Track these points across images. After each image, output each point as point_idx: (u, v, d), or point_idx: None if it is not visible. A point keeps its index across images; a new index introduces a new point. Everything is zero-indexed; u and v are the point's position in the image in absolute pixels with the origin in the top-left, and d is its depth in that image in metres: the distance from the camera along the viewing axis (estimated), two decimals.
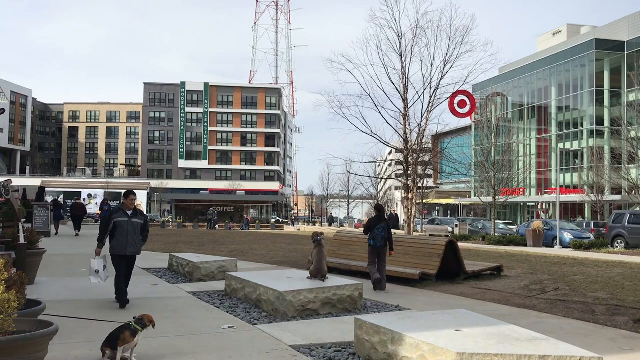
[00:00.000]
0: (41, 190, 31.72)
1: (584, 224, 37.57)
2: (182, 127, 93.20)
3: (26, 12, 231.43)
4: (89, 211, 73.42)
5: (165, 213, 78.40)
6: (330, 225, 68.75)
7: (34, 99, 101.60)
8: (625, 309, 9.13)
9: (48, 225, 24.25)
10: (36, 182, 70.01)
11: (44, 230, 21.98)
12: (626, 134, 29.33)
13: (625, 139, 29.30)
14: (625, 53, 52.80)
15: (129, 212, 8.45)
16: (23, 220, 11.46)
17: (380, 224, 11.22)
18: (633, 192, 27.07)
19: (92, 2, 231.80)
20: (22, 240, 9.62)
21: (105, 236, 8.39)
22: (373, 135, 25.21)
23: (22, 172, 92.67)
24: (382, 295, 10.29)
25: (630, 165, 30.91)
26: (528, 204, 63.69)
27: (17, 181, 70.51)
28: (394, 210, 78.02)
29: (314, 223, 73.71)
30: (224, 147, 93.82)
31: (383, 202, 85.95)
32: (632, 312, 8.85)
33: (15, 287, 4.64)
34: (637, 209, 28.46)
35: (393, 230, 13.66)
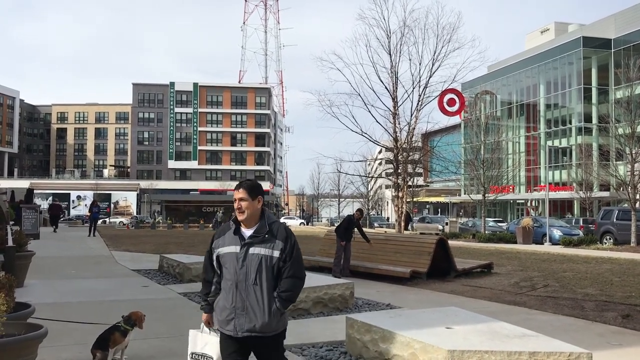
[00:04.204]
0: (29, 192, 31.47)
1: (573, 220, 37.85)
2: (172, 128, 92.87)
3: (12, 12, 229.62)
4: (78, 213, 73.41)
5: (156, 214, 78.07)
6: (307, 224, 68.79)
7: (21, 100, 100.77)
8: (614, 304, 9.21)
9: (37, 228, 24.11)
10: (24, 184, 69.44)
11: (32, 232, 21.81)
12: (614, 131, 29.51)
13: (613, 136, 29.49)
14: (612, 50, 53.22)
15: (246, 231, 3.67)
16: (11, 222, 11.37)
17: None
18: (621, 189, 27.25)
19: (79, 2, 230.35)
20: (10, 243, 9.54)
21: (208, 282, 3.86)
22: (363, 134, 25.20)
23: (10, 174, 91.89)
24: (373, 293, 10.32)
25: (618, 162, 31.12)
26: (518, 201, 64.06)
27: (5, 183, 69.92)
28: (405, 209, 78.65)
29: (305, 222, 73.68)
30: (214, 147, 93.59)
31: (374, 201, 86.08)
32: (621, 307, 8.92)
33: (4, 290, 4.61)
34: (625, 205, 28.67)
35: (388, 230, 14.50)
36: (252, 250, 3.56)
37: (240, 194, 3.63)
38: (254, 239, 3.58)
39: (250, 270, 3.53)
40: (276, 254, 3.56)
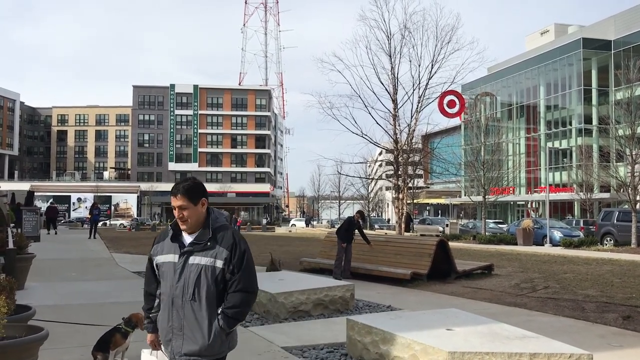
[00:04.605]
0: (30, 194, 31.55)
1: (574, 222, 37.85)
2: (172, 130, 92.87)
3: (11, 14, 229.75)
4: (78, 215, 73.39)
5: (156, 216, 78.07)
6: (307, 225, 68.67)
7: (21, 103, 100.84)
8: (615, 305, 9.21)
9: (37, 230, 24.14)
10: (25, 186, 69.38)
11: (33, 234, 21.83)
12: (614, 132, 29.52)
13: (613, 137, 29.50)
14: (612, 52, 53.24)
15: (187, 238, 3.14)
16: (12, 225, 11.38)
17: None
18: (621, 190, 27.25)
19: (79, 3, 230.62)
20: (11, 245, 9.55)
21: (151, 295, 3.38)
22: (363, 135, 25.24)
23: (11, 177, 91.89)
24: (373, 295, 10.32)
25: (618, 163, 31.11)
26: (518, 202, 64.04)
27: (6, 186, 69.88)
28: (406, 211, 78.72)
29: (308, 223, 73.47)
30: (214, 149, 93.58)
31: (374, 203, 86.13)
32: (622, 309, 8.92)
33: (5, 292, 4.61)
34: (626, 206, 28.66)
35: (388, 232, 14.50)
36: (191, 260, 3.04)
37: (179, 200, 3.04)
38: (195, 247, 3.05)
39: (188, 284, 3.02)
40: (219, 264, 3.02)
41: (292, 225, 69.17)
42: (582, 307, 9.13)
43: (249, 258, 3.10)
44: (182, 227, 3.09)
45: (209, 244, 3.04)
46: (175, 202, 3.05)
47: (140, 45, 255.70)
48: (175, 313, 3.06)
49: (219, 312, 3.04)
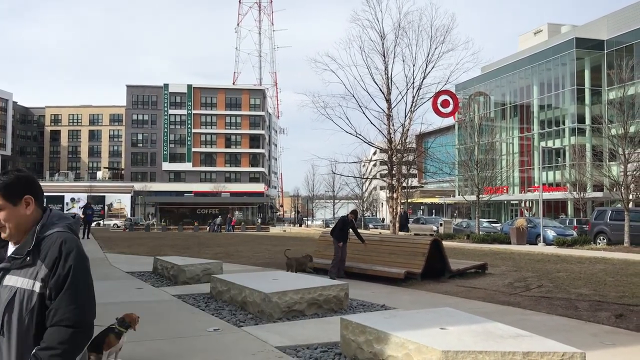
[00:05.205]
0: None
1: (567, 221, 38.01)
2: (166, 129, 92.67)
3: (6, 14, 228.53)
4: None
5: (150, 216, 77.86)
6: (300, 225, 68.73)
7: (14, 103, 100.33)
8: (608, 304, 9.25)
9: None
10: None
11: None
12: (607, 131, 29.65)
13: (606, 137, 29.61)
14: (605, 52, 53.47)
15: (11, 249, 2.38)
16: None
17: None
18: (614, 189, 27.37)
19: (74, 3, 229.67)
20: None
21: None
22: (357, 135, 25.26)
23: None
24: (367, 294, 10.33)
25: (611, 163, 31.28)
26: (512, 202, 64.24)
27: None
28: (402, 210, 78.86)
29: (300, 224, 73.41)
30: (208, 149, 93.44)
31: (368, 202, 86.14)
32: (614, 307, 8.96)
33: None
34: (619, 205, 28.80)
35: (383, 231, 14.27)
36: (6, 280, 2.27)
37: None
38: (13, 262, 2.28)
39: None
40: (37, 287, 2.22)
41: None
42: (575, 305, 9.17)
43: (79, 279, 2.25)
44: (3, 235, 2.34)
45: (28, 258, 2.26)
46: None
47: (134, 45, 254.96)
48: None
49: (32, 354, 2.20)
